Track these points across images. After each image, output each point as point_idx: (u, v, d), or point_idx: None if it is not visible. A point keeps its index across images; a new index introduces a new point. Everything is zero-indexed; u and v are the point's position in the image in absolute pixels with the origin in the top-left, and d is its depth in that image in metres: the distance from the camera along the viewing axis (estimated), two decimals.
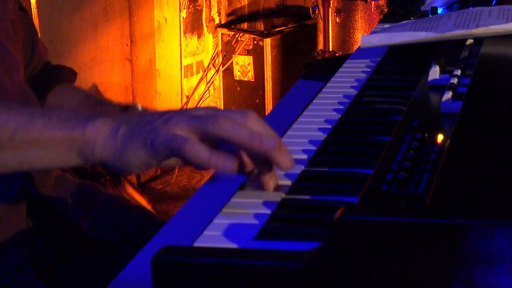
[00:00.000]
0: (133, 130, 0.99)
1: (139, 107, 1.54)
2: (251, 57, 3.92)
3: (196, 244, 0.87)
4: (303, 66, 1.82)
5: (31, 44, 1.57)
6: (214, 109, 1.00)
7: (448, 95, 1.20)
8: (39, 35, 1.69)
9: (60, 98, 1.56)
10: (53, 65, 1.64)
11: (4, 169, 1.07)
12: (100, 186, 1.62)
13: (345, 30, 3.43)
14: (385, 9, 3.32)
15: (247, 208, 0.97)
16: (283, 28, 4.02)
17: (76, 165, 1.05)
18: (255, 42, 3.90)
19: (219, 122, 0.96)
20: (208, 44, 4.05)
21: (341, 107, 1.30)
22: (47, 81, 1.57)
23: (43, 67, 1.60)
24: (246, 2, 4.19)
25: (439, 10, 1.76)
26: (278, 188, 1.01)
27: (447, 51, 1.42)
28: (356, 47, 3.10)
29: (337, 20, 3.43)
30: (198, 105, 3.97)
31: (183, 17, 3.90)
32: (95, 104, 1.56)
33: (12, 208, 1.32)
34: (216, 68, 4.03)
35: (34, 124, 1.04)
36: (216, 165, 0.95)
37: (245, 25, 4.10)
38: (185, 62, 3.95)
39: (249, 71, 3.94)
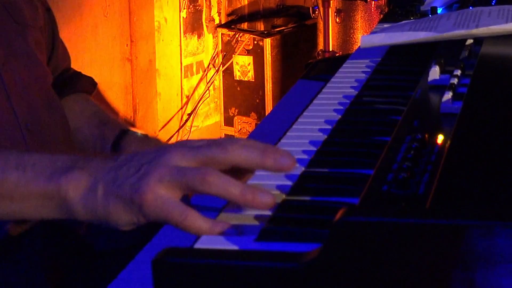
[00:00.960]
0: (112, 190, 0.91)
1: (139, 133, 1.54)
2: (251, 57, 3.92)
3: (196, 246, 0.87)
4: (303, 66, 1.82)
5: (51, 48, 1.57)
6: (190, 150, 0.91)
7: (448, 95, 1.20)
8: None
9: (70, 109, 1.55)
10: (72, 72, 1.63)
11: None
12: None
13: (345, 30, 3.43)
14: (385, 9, 3.32)
15: (247, 209, 0.97)
16: (283, 28, 4.02)
17: (55, 218, 0.98)
18: (255, 42, 3.90)
19: (208, 181, 0.88)
20: (208, 44, 4.05)
21: (341, 107, 1.30)
22: (60, 88, 1.56)
23: (61, 73, 1.60)
24: (246, 2, 4.18)
25: (439, 10, 1.76)
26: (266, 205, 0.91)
27: (447, 51, 1.42)
28: (356, 47, 3.10)
29: (337, 20, 3.43)
30: (198, 105, 3.97)
31: (183, 17, 3.89)
32: (100, 123, 1.56)
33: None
34: (216, 68, 4.02)
35: (7, 177, 0.98)
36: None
37: (245, 25, 4.10)
38: (185, 62, 3.94)
39: (249, 71, 3.94)
